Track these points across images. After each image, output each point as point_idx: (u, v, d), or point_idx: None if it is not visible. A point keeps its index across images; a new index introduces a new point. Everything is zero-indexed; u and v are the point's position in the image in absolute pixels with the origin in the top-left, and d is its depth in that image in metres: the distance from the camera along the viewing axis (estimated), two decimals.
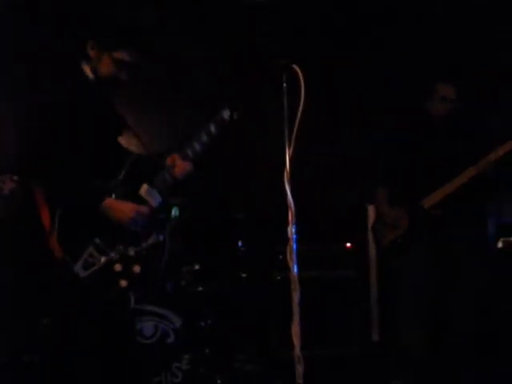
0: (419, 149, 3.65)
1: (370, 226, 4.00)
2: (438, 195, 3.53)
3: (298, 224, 2.46)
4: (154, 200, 2.62)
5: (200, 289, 3.84)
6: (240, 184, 4.78)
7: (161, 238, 2.61)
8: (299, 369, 2.36)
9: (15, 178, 3.31)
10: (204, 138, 2.64)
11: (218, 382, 3.50)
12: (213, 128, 2.65)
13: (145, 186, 2.61)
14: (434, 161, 3.59)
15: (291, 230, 2.45)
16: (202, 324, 3.68)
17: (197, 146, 2.65)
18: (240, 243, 4.25)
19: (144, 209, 2.58)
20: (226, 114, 2.66)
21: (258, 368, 3.89)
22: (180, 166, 2.65)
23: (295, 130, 2.44)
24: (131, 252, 2.54)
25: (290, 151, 2.48)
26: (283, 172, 2.47)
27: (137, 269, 2.52)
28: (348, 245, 4.60)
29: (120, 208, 2.53)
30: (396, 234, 3.64)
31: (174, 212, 2.84)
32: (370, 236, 4.01)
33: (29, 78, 2.88)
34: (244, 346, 4.05)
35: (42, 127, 2.52)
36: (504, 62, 4.80)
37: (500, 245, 4.47)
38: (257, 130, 4.71)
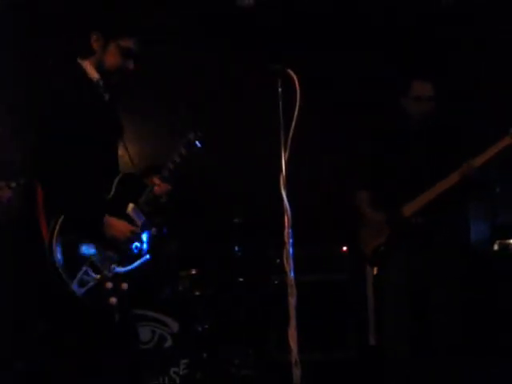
0: (398, 151, 3.52)
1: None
2: (419, 202, 3.40)
3: (294, 228, 2.47)
4: (139, 219, 2.69)
5: (197, 293, 3.84)
6: (237, 189, 4.78)
7: (147, 257, 2.69)
8: (296, 373, 2.36)
9: (13, 185, 3.30)
10: (177, 158, 2.79)
11: None
12: (182, 150, 2.80)
13: (131, 205, 2.68)
14: (413, 164, 3.47)
15: (288, 235, 2.46)
16: (199, 329, 3.68)
17: (171, 167, 2.79)
18: (237, 248, 4.25)
19: (137, 229, 2.65)
20: (192, 136, 2.83)
21: (255, 372, 3.89)
22: (160, 186, 2.75)
23: (290, 134, 2.44)
24: (121, 270, 2.59)
25: (286, 155, 2.48)
26: (279, 176, 2.48)
27: (125, 286, 2.57)
28: (344, 248, 4.60)
29: (117, 226, 2.58)
30: (379, 241, 3.53)
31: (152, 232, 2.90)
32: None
33: (28, 79, 2.86)
34: (241, 350, 4.04)
35: (46, 130, 2.53)
36: (488, 62, 4.80)
37: (496, 247, 4.48)
38: (253, 135, 4.72)
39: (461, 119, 4.48)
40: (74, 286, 2.44)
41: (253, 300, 4.26)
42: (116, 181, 2.66)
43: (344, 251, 4.60)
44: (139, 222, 2.68)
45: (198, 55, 4.87)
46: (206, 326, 3.70)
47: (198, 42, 4.88)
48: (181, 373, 3.49)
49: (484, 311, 4.25)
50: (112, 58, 2.61)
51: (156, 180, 2.76)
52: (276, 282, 4.22)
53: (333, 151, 5.03)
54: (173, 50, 4.79)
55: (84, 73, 2.64)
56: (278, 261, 4.19)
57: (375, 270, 3.74)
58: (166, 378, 3.47)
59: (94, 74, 2.65)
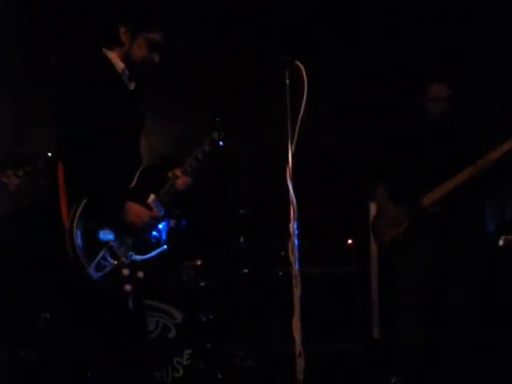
0: (416, 147, 3.66)
1: (370, 223, 4.00)
2: (437, 193, 3.55)
3: (299, 220, 2.47)
4: (159, 210, 2.74)
5: (202, 284, 3.85)
6: (242, 180, 4.79)
7: (164, 247, 2.74)
8: (300, 364, 2.37)
9: (20, 173, 3.32)
10: (199, 155, 2.88)
11: (219, 377, 3.51)
12: (206, 147, 2.90)
13: (152, 196, 2.74)
14: (431, 159, 3.61)
15: (293, 226, 2.46)
16: (204, 319, 3.69)
17: (194, 163, 2.87)
18: (242, 239, 4.26)
19: (156, 215, 2.70)
20: (216, 135, 2.92)
21: (259, 363, 3.90)
22: (182, 179, 2.83)
23: (298, 125, 2.45)
24: (138, 258, 2.63)
25: (293, 147, 2.48)
26: (285, 168, 2.48)
27: (140, 274, 2.61)
28: (349, 241, 4.60)
29: (136, 211, 2.62)
30: (397, 231, 3.65)
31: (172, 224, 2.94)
32: (372, 233, 4.01)
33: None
34: (245, 341, 4.06)
35: (71, 116, 2.58)
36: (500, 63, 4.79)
37: (501, 243, 4.48)
38: (260, 126, 4.72)
39: (476, 116, 4.52)
40: (91, 270, 2.46)
41: (257, 291, 4.27)
42: (139, 171, 2.73)
43: (349, 244, 4.60)
44: (159, 213, 2.73)
45: (206, 47, 4.87)
46: (210, 317, 3.71)
47: (206, 35, 4.88)
48: (184, 363, 3.50)
49: (487, 307, 4.25)
50: (139, 51, 2.69)
51: (178, 173, 2.83)
52: (281, 274, 4.22)
53: (341, 142, 5.03)
54: (183, 43, 4.79)
55: (109, 62, 2.71)
56: (283, 253, 4.19)
57: (393, 260, 3.81)
58: (170, 368, 3.48)
59: (119, 64, 2.71)
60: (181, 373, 3.48)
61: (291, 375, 2.43)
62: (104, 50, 2.73)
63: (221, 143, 2.92)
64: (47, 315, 3.55)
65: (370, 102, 5.00)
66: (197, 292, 3.84)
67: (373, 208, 4.49)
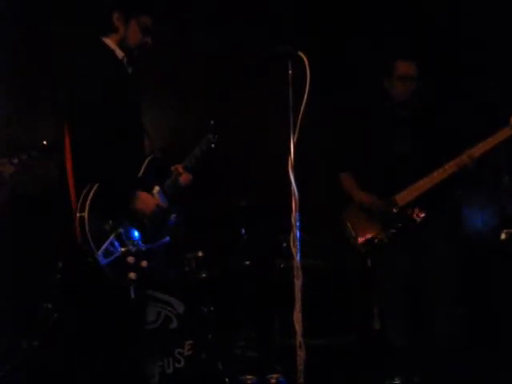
0: (384, 134, 3.47)
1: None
2: (414, 191, 3.34)
3: (301, 212, 2.48)
4: (163, 202, 2.82)
5: (203, 275, 3.86)
6: (243, 171, 4.78)
7: (167, 239, 2.81)
8: (301, 355, 2.38)
9: (15, 161, 3.33)
10: (198, 154, 3.08)
11: (220, 367, 3.52)
12: (203, 147, 3.11)
13: (157, 188, 2.83)
14: (399, 148, 3.43)
15: (295, 218, 2.47)
16: (205, 310, 3.70)
17: (193, 160, 3.04)
18: (243, 230, 4.26)
19: (163, 204, 2.78)
20: (211, 137, 3.15)
21: (260, 354, 3.91)
22: (184, 175, 2.98)
23: (300, 117, 2.45)
24: (143, 247, 2.67)
25: (295, 138, 2.48)
26: (287, 159, 2.48)
27: (144, 264, 2.65)
28: None
29: (144, 199, 2.69)
30: (371, 232, 3.44)
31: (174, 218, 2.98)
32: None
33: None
34: (246, 332, 4.06)
35: (79, 104, 2.64)
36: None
37: (503, 236, 4.47)
38: (261, 117, 4.71)
39: (448, 104, 4.40)
40: (100, 255, 2.51)
41: (258, 283, 4.27)
42: (146, 162, 2.82)
43: None
44: (163, 204, 2.80)
45: (206, 39, 4.86)
46: (212, 308, 3.72)
47: (207, 26, 4.87)
48: (185, 354, 3.51)
49: (488, 302, 4.26)
50: (134, 35, 2.78)
51: (180, 168, 2.95)
52: (282, 266, 4.22)
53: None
54: (182, 35, 4.77)
55: (109, 49, 2.79)
56: (285, 244, 4.19)
57: (368, 262, 3.60)
58: (171, 359, 3.49)
59: (119, 52, 2.80)
60: (182, 363, 3.49)
61: (292, 366, 2.44)
62: (102, 38, 2.81)
63: (212, 145, 3.13)
64: (48, 305, 3.57)
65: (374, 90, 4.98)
66: (198, 283, 3.85)
67: None
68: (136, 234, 2.65)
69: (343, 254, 4.52)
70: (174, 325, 3.58)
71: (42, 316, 3.62)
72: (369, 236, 3.47)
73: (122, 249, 2.58)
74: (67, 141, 2.66)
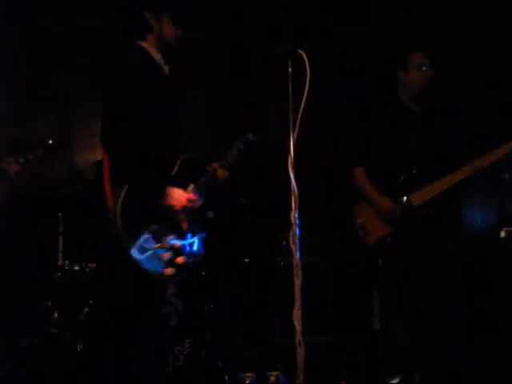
0: (397, 129, 3.49)
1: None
2: (429, 193, 3.35)
3: (300, 210, 2.48)
4: (197, 198, 2.83)
5: (203, 273, 3.86)
6: (243, 170, 4.78)
7: (204, 235, 2.87)
8: (300, 353, 2.38)
9: (21, 160, 3.35)
10: (235, 152, 3.13)
11: (219, 365, 3.52)
12: (241, 146, 3.16)
13: (192, 186, 2.85)
14: (413, 143, 3.45)
15: (294, 216, 2.47)
16: (205, 308, 3.70)
17: (230, 159, 3.10)
18: (243, 228, 4.27)
19: (195, 198, 2.79)
20: (250, 136, 3.19)
21: (259, 352, 3.91)
22: (220, 171, 3.02)
23: (300, 114, 2.45)
24: (178, 243, 2.71)
25: (295, 136, 2.49)
26: (287, 157, 2.49)
27: (180, 260, 2.69)
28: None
29: (175, 195, 2.72)
30: (385, 230, 3.42)
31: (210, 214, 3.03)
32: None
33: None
34: (245, 330, 4.07)
35: (116, 107, 2.68)
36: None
37: (503, 234, 4.48)
38: (261, 115, 4.71)
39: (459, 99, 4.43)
40: (134, 252, 2.55)
41: (258, 281, 4.28)
42: (180, 161, 2.84)
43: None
44: (196, 199, 2.82)
45: (207, 36, 4.86)
46: (211, 306, 3.72)
47: (207, 26, 4.87)
48: (185, 352, 3.51)
49: (487, 300, 4.26)
50: (168, 30, 2.84)
51: (216, 166, 3.01)
52: (282, 264, 4.22)
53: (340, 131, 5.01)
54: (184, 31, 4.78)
55: (147, 53, 2.83)
56: (284, 242, 4.20)
57: (380, 262, 3.53)
58: (170, 357, 3.49)
59: (156, 54, 2.85)
60: (181, 361, 3.49)
61: (291, 364, 2.45)
62: (138, 41, 2.84)
63: (250, 146, 3.18)
64: (49, 303, 3.58)
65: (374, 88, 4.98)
66: (198, 281, 3.85)
67: None
68: (170, 230, 2.68)
69: (343, 253, 4.55)
70: (174, 322, 3.57)
71: (43, 314, 3.63)
72: (382, 234, 3.44)
73: (157, 245, 2.62)
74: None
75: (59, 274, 3.65)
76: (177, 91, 2.97)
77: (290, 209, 2.48)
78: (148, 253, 2.58)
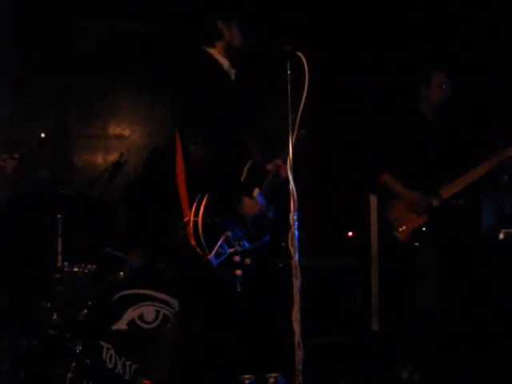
0: (420, 138, 3.74)
1: (375, 217, 4.06)
2: (458, 185, 3.61)
3: (299, 212, 2.48)
4: (262, 203, 2.97)
5: None
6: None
7: (267, 238, 3.02)
8: (299, 354, 2.39)
9: (16, 156, 3.36)
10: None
11: (218, 367, 3.51)
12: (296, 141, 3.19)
13: (256, 190, 2.97)
14: (436, 150, 3.71)
15: (293, 218, 2.48)
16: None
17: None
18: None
19: (264, 208, 2.95)
20: (303, 131, 3.03)
21: (258, 353, 3.91)
22: (283, 167, 3.05)
23: (299, 116, 2.46)
24: (248, 247, 2.88)
25: (294, 138, 2.49)
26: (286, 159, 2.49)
27: (248, 261, 2.85)
28: (350, 234, 4.60)
29: (248, 204, 2.87)
30: (419, 221, 3.66)
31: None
32: (373, 225, 4.01)
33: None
34: (244, 331, 4.06)
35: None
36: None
37: (501, 236, 4.48)
38: (260, 117, 4.71)
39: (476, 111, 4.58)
40: (212, 257, 2.71)
41: (257, 282, 4.27)
42: (247, 166, 2.97)
43: (349, 236, 4.60)
44: (263, 207, 2.97)
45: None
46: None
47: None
48: None
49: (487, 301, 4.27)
50: (237, 37, 2.96)
51: (279, 162, 3.09)
52: (281, 266, 4.22)
53: (341, 134, 5.01)
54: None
55: (215, 60, 2.93)
56: (283, 244, 4.19)
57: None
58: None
59: (224, 61, 2.95)
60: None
61: (290, 365, 2.45)
62: (207, 49, 2.93)
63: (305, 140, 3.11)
64: (48, 304, 3.58)
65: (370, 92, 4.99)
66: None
67: (373, 200, 4.47)
68: (241, 235, 2.84)
69: (344, 254, 4.55)
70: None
71: (42, 315, 3.63)
72: (416, 226, 3.66)
73: (231, 250, 2.78)
74: (179, 148, 2.84)
75: (58, 275, 3.64)
76: (242, 94, 3.05)
77: (289, 210, 2.49)
78: (223, 257, 2.75)
